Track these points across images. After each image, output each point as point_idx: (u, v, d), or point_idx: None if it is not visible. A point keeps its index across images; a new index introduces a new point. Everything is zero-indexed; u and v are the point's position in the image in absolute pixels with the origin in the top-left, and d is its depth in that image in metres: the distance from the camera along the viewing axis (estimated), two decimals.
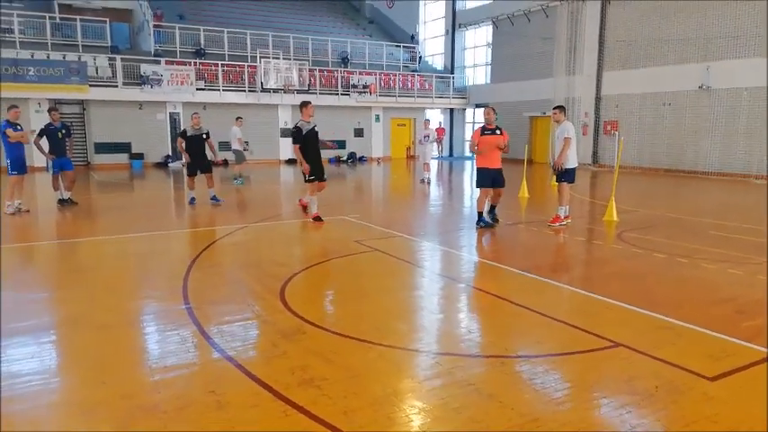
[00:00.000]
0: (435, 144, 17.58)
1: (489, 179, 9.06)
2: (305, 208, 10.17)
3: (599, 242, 8.25)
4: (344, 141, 28.42)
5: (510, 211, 11.11)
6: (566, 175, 9.37)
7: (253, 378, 3.67)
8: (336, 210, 11.64)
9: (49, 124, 11.48)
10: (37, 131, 11.54)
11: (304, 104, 9.42)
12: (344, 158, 28.07)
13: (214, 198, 12.08)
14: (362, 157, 28.58)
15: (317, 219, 9.65)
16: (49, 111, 11.70)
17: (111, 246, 8.05)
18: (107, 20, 24.41)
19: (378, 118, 29.06)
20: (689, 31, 19.30)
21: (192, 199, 12.08)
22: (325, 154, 27.84)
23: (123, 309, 5.15)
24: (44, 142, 11.41)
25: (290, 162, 26.42)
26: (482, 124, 9.35)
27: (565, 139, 9.16)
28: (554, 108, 9.73)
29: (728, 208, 12.33)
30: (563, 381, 3.69)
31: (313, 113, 9.37)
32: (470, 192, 16.04)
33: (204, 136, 12.16)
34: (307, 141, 9.31)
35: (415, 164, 26.60)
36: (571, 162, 9.34)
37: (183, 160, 12.73)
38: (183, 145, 12.07)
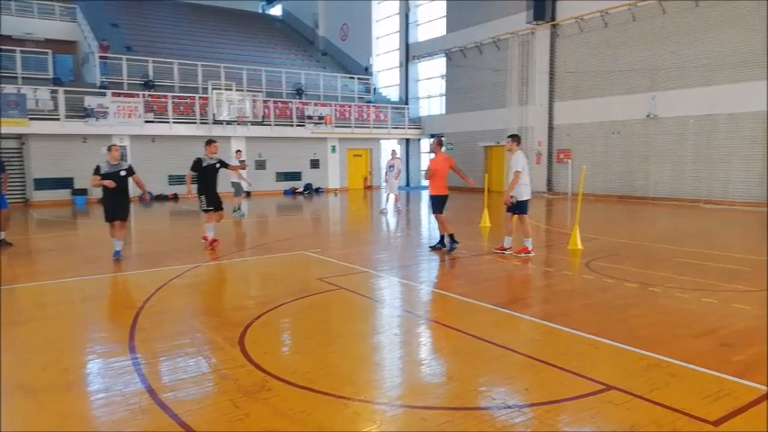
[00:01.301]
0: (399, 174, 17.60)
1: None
2: (210, 243, 10.57)
3: (569, 272, 8.06)
4: (300, 173, 27.98)
5: (473, 241, 10.91)
6: (518, 208, 9.31)
7: None
8: (296, 244, 11.17)
9: None
10: None
11: (208, 143, 10.51)
12: (301, 190, 27.58)
13: (117, 253, 9.28)
14: (319, 188, 28.17)
15: (213, 242, 10.49)
16: None
17: (50, 292, 7.30)
18: (49, 51, 23.43)
19: (334, 149, 28.81)
20: (635, 62, 19.98)
21: (116, 253, 9.29)
22: (281, 186, 27.45)
23: (60, 367, 4.54)
24: None
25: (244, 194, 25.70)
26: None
27: (514, 173, 9.10)
28: (508, 137, 9.74)
29: (686, 234, 12.49)
30: None
31: (216, 152, 10.45)
32: (430, 221, 15.83)
33: (123, 173, 9.19)
34: (206, 174, 10.34)
35: (373, 194, 26.36)
36: (524, 194, 9.29)
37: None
38: (99, 181, 9.03)
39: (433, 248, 9.99)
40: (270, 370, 4.36)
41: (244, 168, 16.53)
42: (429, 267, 8.93)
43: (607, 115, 21.08)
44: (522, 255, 9.20)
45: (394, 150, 19.63)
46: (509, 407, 3.73)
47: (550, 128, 23.53)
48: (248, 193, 16.30)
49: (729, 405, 3.70)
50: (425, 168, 10.61)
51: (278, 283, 7.71)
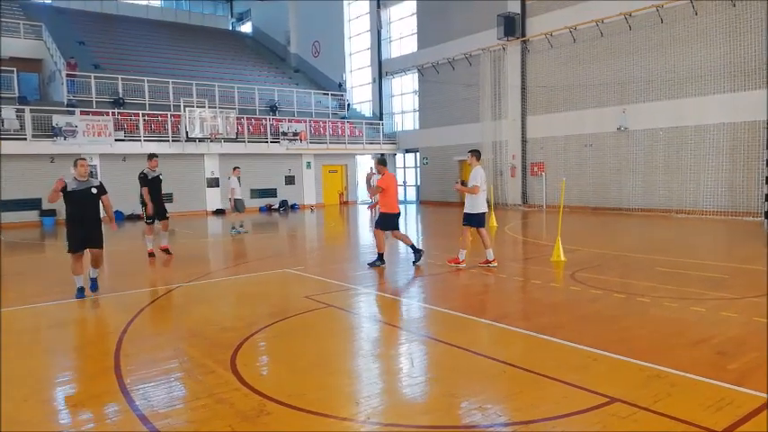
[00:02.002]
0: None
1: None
2: (166, 250, 11.90)
3: (556, 284, 8.09)
4: (275, 189, 27.73)
5: (455, 254, 10.87)
6: (473, 220, 9.52)
7: None
8: (277, 262, 10.99)
9: None
10: None
11: (150, 157, 11.55)
12: (276, 207, 27.31)
13: (93, 284, 8.07)
14: (294, 204, 27.94)
15: (152, 255, 11.56)
16: None
17: (23, 318, 6.98)
18: (14, 69, 22.82)
19: (309, 165, 28.66)
20: (605, 76, 20.44)
21: (80, 290, 7.84)
22: (256, 203, 27.11)
23: (41, 398, 4.30)
24: None
25: (218, 213, 25.37)
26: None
27: (473, 187, 9.36)
28: (468, 152, 10.02)
29: (662, 243, 12.71)
30: None
31: (157, 165, 11.52)
32: (419, 236, 15.79)
33: (94, 190, 7.72)
34: (151, 186, 11.26)
35: (349, 210, 26.27)
36: (479, 207, 9.52)
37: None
38: (57, 193, 7.53)
39: (415, 263, 10.03)
40: (266, 392, 4.21)
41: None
42: (416, 282, 8.86)
43: (579, 128, 21.46)
44: (485, 266, 9.46)
45: (372, 167, 19.76)
46: (515, 423, 3.67)
47: (524, 141, 23.85)
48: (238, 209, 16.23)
49: (733, 414, 3.71)
50: (369, 185, 11.13)
51: (264, 303, 7.54)
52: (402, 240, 10.32)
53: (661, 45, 18.77)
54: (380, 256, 10.03)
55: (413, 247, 10.08)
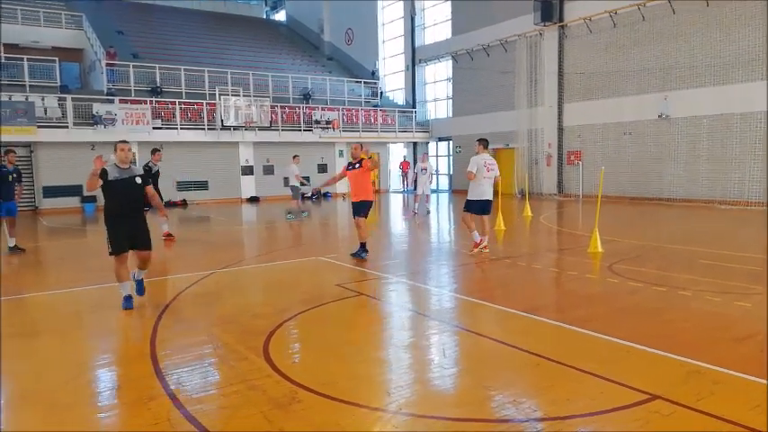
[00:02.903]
0: (431, 177, 17.83)
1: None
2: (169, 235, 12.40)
3: (592, 276, 7.89)
4: (308, 177, 27.82)
5: (490, 244, 10.71)
6: (472, 207, 9.70)
7: None
8: (309, 250, 11.05)
9: (2, 166, 10.80)
10: None
11: (154, 151, 12.58)
12: (309, 195, 27.46)
13: (140, 285, 6.92)
14: (327, 193, 28.05)
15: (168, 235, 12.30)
16: (6, 153, 10.99)
17: (62, 302, 7.17)
18: (56, 59, 23.41)
19: (341, 153, 28.68)
20: (646, 62, 19.79)
21: (127, 299, 6.54)
22: (289, 191, 27.42)
23: (82, 381, 4.41)
24: None
25: (253, 200, 25.68)
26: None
27: (467, 173, 9.57)
28: (476, 140, 10.15)
29: (704, 235, 12.30)
30: None
31: (160, 159, 12.44)
32: (451, 225, 15.68)
33: (138, 180, 6.56)
34: (153, 180, 11.42)
35: (381, 198, 26.23)
36: (480, 195, 9.64)
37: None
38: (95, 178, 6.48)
39: (355, 255, 9.55)
40: (298, 380, 4.21)
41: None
42: (449, 272, 8.78)
43: (618, 116, 20.87)
44: (475, 251, 9.63)
45: (425, 153, 20.26)
46: (551, 418, 3.57)
47: (560, 129, 23.34)
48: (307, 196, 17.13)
49: None
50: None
51: (296, 290, 7.57)
52: (362, 231, 9.61)
53: (706, 29, 18.05)
54: (363, 246, 9.58)
55: (363, 244, 9.57)
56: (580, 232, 12.57)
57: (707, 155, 18.40)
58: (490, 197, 9.74)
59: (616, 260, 8.77)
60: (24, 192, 20.10)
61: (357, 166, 9.55)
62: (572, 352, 4.78)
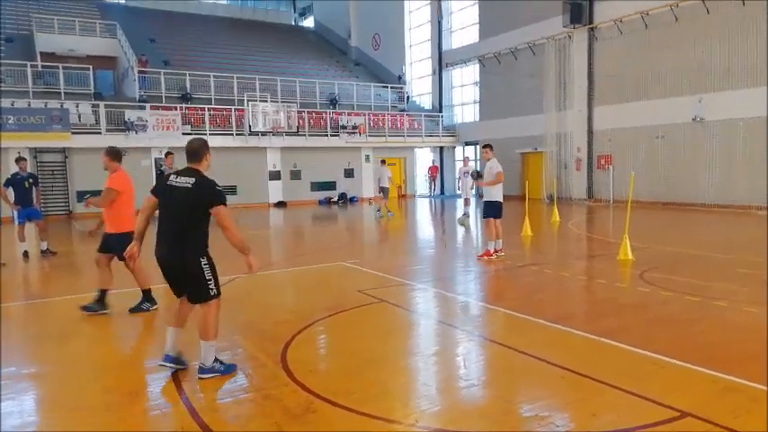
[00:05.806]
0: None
1: None
2: None
3: (622, 285, 7.65)
4: (335, 182, 27.95)
5: (516, 251, 10.53)
6: (492, 210, 9.66)
7: None
8: (333, 255, 11.00)
9: (16, 174, 11.18)
10: (2, 182, 11.13)
11: (167, 155, 12.93)
12: (335, 199, 27.53)
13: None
14: (353, 197, 28.08)
15: None
16: (17, 161, 11.43)
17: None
18: (90, 67, 24.01)
19: (368, 158, 28.69)
20: (679, 64, 19.27)
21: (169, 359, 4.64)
22: (316, 195, 27.46)
23: (99, 386, 4.42)
24: (11, 192, 11.16)
25: (280, 205, 25.85)
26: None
27: (497, 174, 9.53)
28: (482, 146, 10.18)
29: (741, 242, 11.85)
30: None
31: (172, 163, 12.14)
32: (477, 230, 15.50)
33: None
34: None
35: (407, 203, 26.14)
36: (498, 196, 9.69)
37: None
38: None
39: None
40: (314, 390, 4.14)
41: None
42: (474, 279, 8.63)
43: (650, 119, 20.35)
44: (485, 258, 9.53)
45: (467, 157, 20.79)
46: None
47: (590, 133, 22.90)
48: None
49: None
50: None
51: (317, 296, 7.52)
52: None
53: (741, 29, 17.49)
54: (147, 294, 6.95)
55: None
56: (610, 239, 12.25)
57: (743, 159, 17.79)
58: (500, 198, 9.92)
59: (647, 268, 8.49)
60: (57, 195, 20.76)
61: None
62: (599, 365, 4.60)
